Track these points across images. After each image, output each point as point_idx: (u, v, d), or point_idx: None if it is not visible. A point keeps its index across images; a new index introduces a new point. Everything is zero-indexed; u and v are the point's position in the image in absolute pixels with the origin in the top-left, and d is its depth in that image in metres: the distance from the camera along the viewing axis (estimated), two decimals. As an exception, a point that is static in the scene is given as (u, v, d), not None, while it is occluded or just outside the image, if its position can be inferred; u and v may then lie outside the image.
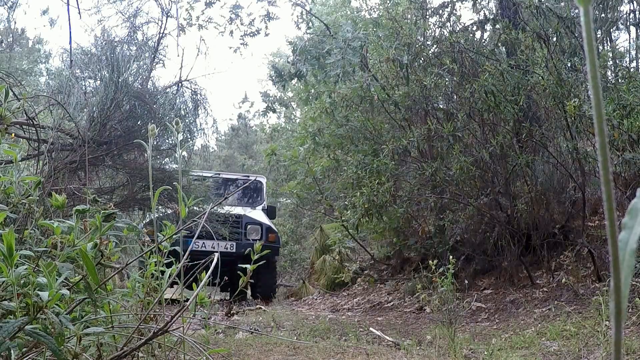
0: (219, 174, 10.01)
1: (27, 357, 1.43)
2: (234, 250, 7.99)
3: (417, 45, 6.06)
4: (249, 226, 8.47)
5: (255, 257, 2.23)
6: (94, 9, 4.95)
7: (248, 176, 10.61)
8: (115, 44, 4.14)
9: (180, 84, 4.79)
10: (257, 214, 8.99)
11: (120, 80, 3.48)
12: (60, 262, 1.48)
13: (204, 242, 7.63)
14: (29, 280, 1.34)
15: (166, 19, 4.86)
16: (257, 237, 8.38)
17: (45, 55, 20.01)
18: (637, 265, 2.70)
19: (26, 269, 1.37)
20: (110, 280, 1.86)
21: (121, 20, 4.71)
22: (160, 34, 4.72)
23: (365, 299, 7.17)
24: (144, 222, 5.67)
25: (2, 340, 1.20)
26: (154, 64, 4.59)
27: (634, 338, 3.12)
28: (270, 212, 9.92)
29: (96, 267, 1.50)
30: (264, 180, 10.15)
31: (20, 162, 2.62)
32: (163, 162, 4.41)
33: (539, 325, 4.04)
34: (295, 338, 3.98)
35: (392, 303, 6.52)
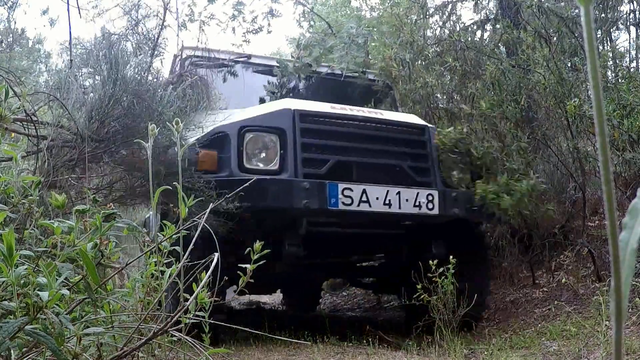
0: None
1: (27, 357, 1.43)
2: (436, 212, 3.66)
3: (418, 44, 6.06)
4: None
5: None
6: (93, 7, 4.95)
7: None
8: (114, 40, 4.14)
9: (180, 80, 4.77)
10: None
11: (119, 76, 3.47)
12: (60, 262, 1.48)
13: (364, 190, 3.37)
14: (29, 280, 1.34)
15: (164, 13, 4.86)
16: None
17: (45, 55, 20.04)
18: (638, 265, 2.70)
19: (26, 269, 1.37)
20: (110, 280, 1.86)
21: (120, 15, 4.72)
22: (161, 27, 4.71)
23: (365, 299, 7.17)
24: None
25: (2, 340, 1.20)
26: (153, 59, 4.58)
27: (634, 338, 3.12)
28: None
29: (96, 267, 1.50)
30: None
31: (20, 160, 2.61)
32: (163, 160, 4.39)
33: (539, 325, 4.04)
34: (295, 338, 3.97)
35: (392, 303, 6.52)
